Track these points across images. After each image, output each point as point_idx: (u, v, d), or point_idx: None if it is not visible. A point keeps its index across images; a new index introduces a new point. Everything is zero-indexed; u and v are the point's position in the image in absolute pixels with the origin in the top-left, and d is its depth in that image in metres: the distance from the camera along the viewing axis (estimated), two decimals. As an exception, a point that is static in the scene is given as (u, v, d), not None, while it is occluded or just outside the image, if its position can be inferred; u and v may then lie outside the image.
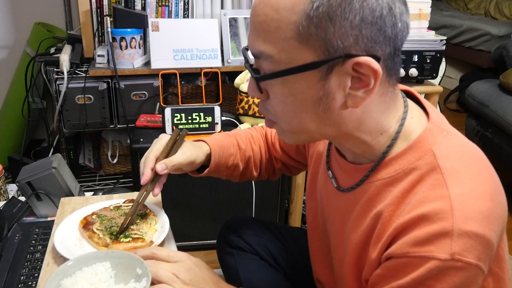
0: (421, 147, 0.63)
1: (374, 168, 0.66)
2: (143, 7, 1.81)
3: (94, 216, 0.87)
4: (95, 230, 0.82)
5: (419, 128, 0.65)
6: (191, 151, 0.87)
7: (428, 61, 1.65)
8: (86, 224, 0.84)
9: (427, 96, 1.73)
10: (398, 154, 0.64)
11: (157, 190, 0.85)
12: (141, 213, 0.88)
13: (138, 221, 0.86)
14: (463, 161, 0.61)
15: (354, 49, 0.56)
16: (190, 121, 1.61)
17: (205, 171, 0.92)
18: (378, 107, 0.62)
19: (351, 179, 0.70)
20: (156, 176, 0.84)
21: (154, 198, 0.97)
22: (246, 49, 0.63)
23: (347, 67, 0.57)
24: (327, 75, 0.57)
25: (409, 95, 0.72)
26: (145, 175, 0.82)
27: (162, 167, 0.83)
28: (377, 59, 0.57)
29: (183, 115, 1.60)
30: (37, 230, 0.96)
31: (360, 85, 0.58)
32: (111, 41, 1.70)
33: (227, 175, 0.97)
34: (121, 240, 0.80)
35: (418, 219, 0.57)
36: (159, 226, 0.86)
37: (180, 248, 0.82)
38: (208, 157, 0.91)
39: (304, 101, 0.60)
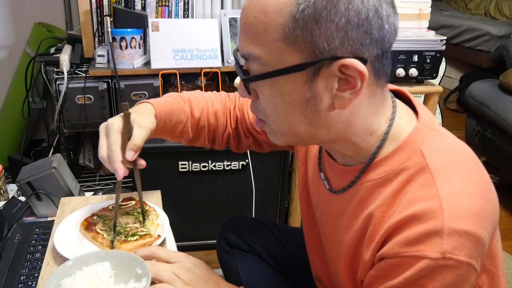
0: (410, 147, 0.63)
1: (364, 169, 0.66)
2: (143, 7, 1.81)
3: (95, 217, 0.87)
4: (98, 230, 0.82)
5: (408, 128, 0.65)
6: (145, 121, 0.81)
7: (428, 61, 1.65)
8: (88, 226, 0.84)
9: (427, 96, 1.73)
10: (387, 155, 0.64)
11: (143, 162, 0.81)
12: (141, 211, 0.89)
13: (140, 219, 0.86)
14: (452, 160, 0.61)
15: (340, 51, 0.56)
16: (190, 121, 1.61)
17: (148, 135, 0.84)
18: (367, 109, 0.63)
19: (342, 180, 0.70)
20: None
21: (154, 198, 0.97)
22: (238, 50, 0.64)
23: (334, 69, 0.57)
24: (314, 77, 0.58)
25: (399, 95, 0.72)
26: (120, 170, 0.76)
27: (131, 154, 0.77)
28: (364, 61, 0.57)
29: (183, 115, 1.60)
30: (37, 230, 0.96)
31: (347, 86, 0.58)
32: (111, 41, 1.70)
33: (174, 140, 0.93)
34: (129, 239, 0.80)
35: (408, 219, 0.58)
36: (158, 227, 0.86)
37: (180, 248, 0.83)
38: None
39: (292, 102, 0.60)
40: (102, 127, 0.80)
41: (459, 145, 0.64)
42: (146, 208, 0.89)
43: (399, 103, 0.68)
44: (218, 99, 0.97)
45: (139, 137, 0.79)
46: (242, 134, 0.97)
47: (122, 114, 0.79)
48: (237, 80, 1.68)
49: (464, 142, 0.65)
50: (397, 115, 0.66)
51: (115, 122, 0.78)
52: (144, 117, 0.82)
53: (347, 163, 0.70)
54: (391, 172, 0.63)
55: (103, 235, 0.81)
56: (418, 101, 0.70)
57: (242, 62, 0.62)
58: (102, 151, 0.78)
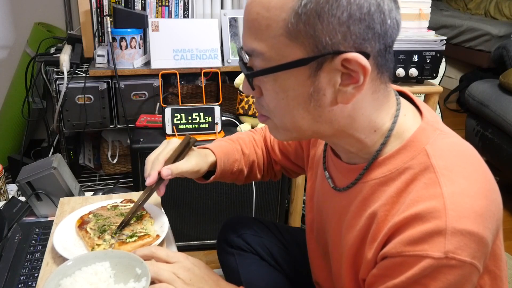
0: (414, 146, 0.63)
1: (368, 167, 0.66)
2: (143, 7, 1.81)
3: (90, 215, 0.87)
4: (88, 229, 0.82)
5: (412, 126, 0.65)
6: (196, 161, 0.88)
7: (428, 61, 1.65)
8: (82, 223, 0.84)
9: (427, 96, 1.73)
10: (391, 153, 0.64)
11: (163, 190, 0.86)
12: (138, 214, 0.88)
13: (132, 222, 0.85)
14: (456, 159, 0.61)
15: (342, 46, 0.56)
16: (190, 121, 1.61)
17: (211, 178, 0.93)
18: (370, 105, 0.63)
19: (346, 179, 0.71)
20: (160, 178, 0.84)
21: (153, 198, 0.97)
22: (242, 48, 0.64)
23: (336, 63, 0.57)
24: (316, 72, 0.58)
25: (402, 95, 0.72)
26: (152, 177, 0.82)
27: (167, 172, 0.83)
28: (367, 55, 0.57)
29: (183, 115, 1.60)
30: (37, 230, 0.96)
31: (349, 81, 0.58)
32: (111, 41, 1.70)
33: (232, 180, 0.99)
34: (127, 240, 0.80)
35: (412, 218, 0.58)
36: (158, 227, 0.86)
37: (180, 248, 0.83)
38: (213, 165, 0.92)
39: (296, 97, 0.61)
40: (165, 141, 0.89)
41: (464, 145, 0.64)
42: (143, 213, 0.88)
43: (403, 101, 0.68)
44: (256, 132, 1.04)
45: (182, 165, 0.85)
46: (273, 162, 1.02)
47: (186, 139, 0.87)
48: (237, 80, 1.68)
49: (468, 142, 0.65)
50: (401, 113, 0.66)
51: (175, 142, 0.88)
52: (198, 159, 0.89)
53: (351, 160, 0.70)
54: (395, 171, 0.63)
55: (90, 234, 0.81)
56: (421, 101, 0.71)
57: (246, 59, 0.63)
58: (152, 156, 0.86)
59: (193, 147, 0.89)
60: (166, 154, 0.85)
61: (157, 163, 0.84)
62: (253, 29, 0.60)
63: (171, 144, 0.87)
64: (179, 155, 0.86)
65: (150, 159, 0.86)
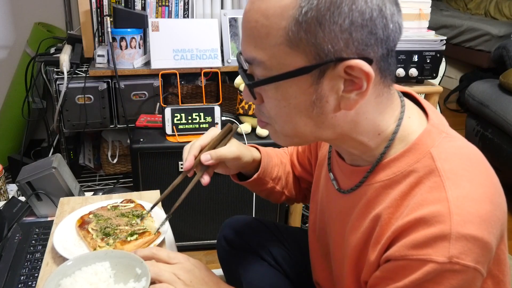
0: (419, 149, 0.62)
1: (373, 170, 0.66)
2: (143, 7, 1.81)
3: (91, 216, 0.87)
4: (90, 229, 0.82)
5: (418, 129, 0.64)
6: (238, 148, 0.85)
7: (428, 61, 1.65)
8: (83, 223, 0.84)
9: (427, 96, 1.73)
10: (396, 156, 0.64)
11: (207, 178, 0.83)
12: (137, 214, 0.88)
13: (134, 222, 0.86)
14: (461, 163, 0.60)
15: (345, 53, 0.56)
16: (190, 121, 1.61)
17: (255, 175, 0.90)
18: (374, 108, 0.62)
19: (350, 181, 0.70)
20: (201, 165, 0.82)
21: (153, 197, 0.97)
22: (241, 54, 0.63)
23: (339, 70, 0.56)
24: (319, 79, 0.57)
25: (408, 96, 0.72)
26: (188, 161, 0.81)
27: (206, 157, 0.80)
28: (369, 61, 0.56)
29: (183, 115, 1.60)
30: (37, 230, 0.96)
31: (353, 87, 0.58)
32: (111, 41, 1.70)
33: (269, 190, 0.95)
34: (128, 239, 0.80)
35: (416, 222, 0.57)
36: (158, 225, 0.86)
37: (180, 248, 0.83)
38: (255, 163, 0.90)
39: (298, 105, 0.60)
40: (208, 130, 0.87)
41: (469, 148, 0.64)
42: (143, 212, 0.88)
43: (408, 102, 0.68)
44: (284, 150, 1.03)
45: (222, 150, 0.83)
46: (299, 179, 1.00)
47: (228, 128, 0.85)
48: (237, 80, 1.68)
49: (474, 145, 0.65)
50: (406, 115, 0.65)
51: (215, 129, 0.86)
52: (240, 146, 0.86)
53: (355, 162, 0.69)
54: (400, 174, 0.63)
55: (92, 235, 0.81)
56: (427, 102, 0.70)
57: (246, 66, 0.62)
58: (188, 144, 0.85)
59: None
60: (203, 140, 0.83)
61: (193, 148, 0.82)
62: (252, 38, 0.59)
63: (210, 131, 0.85)
64: (219, 142, 0.83)
65: (187, 146, 0.84)
